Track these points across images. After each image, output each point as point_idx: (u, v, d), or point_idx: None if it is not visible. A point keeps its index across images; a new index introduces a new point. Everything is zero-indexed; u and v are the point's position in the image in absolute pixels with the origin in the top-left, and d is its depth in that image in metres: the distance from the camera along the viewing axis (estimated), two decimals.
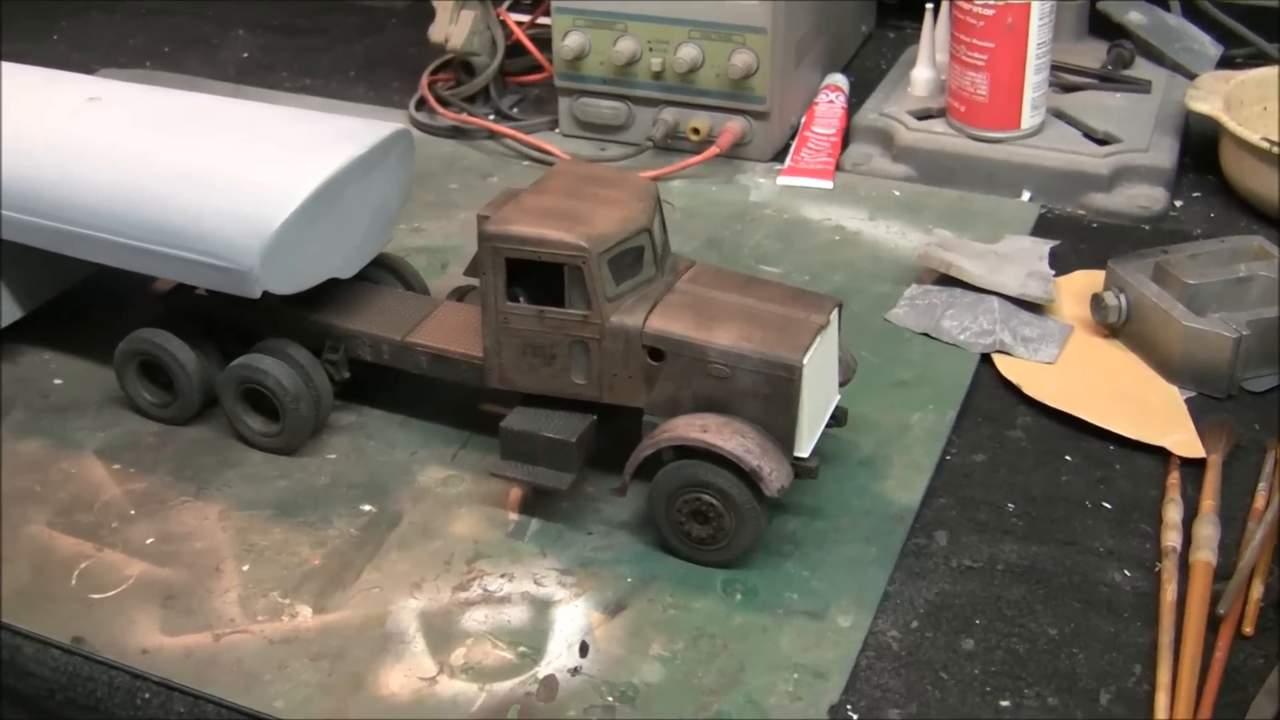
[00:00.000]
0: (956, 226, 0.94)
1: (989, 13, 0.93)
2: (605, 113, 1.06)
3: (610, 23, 1.02)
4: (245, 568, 0.67)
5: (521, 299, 0.67)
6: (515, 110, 1.14)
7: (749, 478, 0.63)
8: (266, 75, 1.23)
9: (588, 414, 0.68)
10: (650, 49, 1.02)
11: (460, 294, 0.78)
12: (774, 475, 0.63)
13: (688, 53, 1.00)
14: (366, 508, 0.71)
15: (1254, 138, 0.90)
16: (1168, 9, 1.12)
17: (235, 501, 0.72)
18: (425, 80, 1.15)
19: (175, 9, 1.38)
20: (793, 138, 1.05)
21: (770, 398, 0.64)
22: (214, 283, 0.70)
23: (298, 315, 0.75)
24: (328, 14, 1.37)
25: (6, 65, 0.85)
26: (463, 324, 0.74)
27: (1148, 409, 0.76)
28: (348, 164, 0.71)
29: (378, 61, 1.26)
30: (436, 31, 1.09)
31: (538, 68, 1.18)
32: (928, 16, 1.05)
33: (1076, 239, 0.93)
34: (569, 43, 1.03)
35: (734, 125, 1.02)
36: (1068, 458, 0.73)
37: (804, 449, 0.65)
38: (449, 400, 0.78)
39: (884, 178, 1.00)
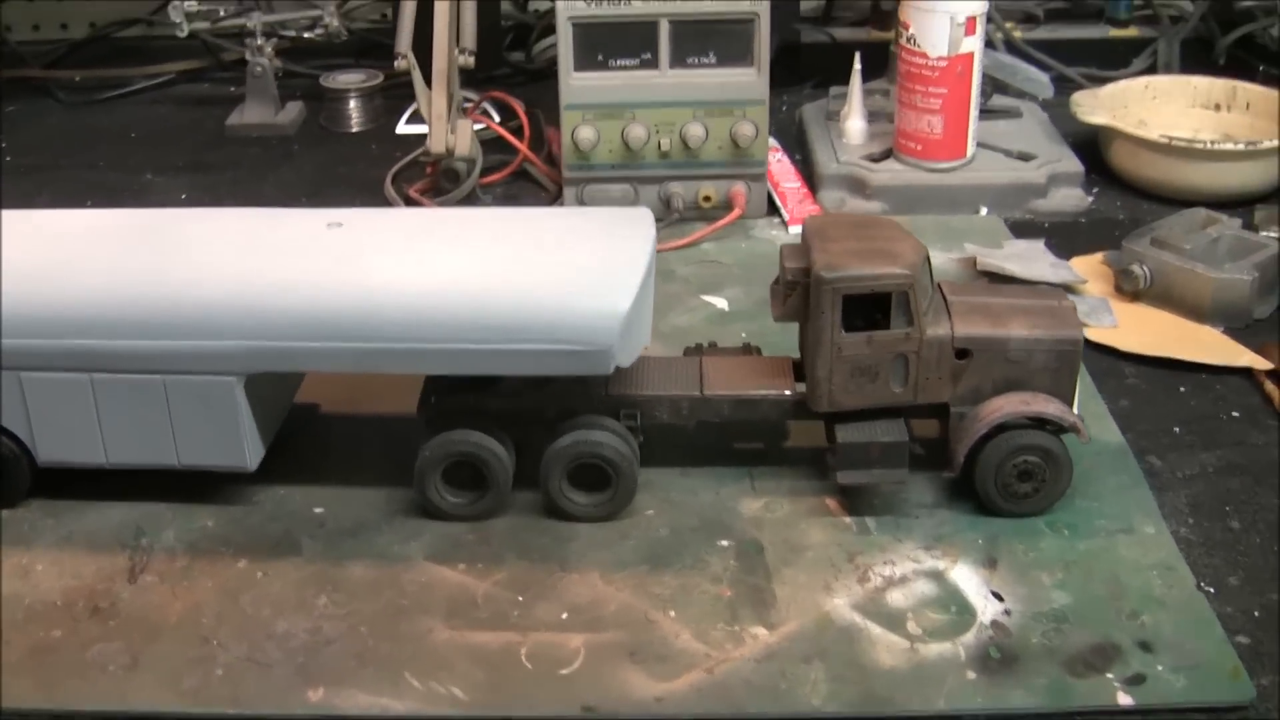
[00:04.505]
0: (954, 241, 1.13)
1: (943, 64, 1.14)
2: (614, 195, 1.17)
3: (619, 112, 1.14)
4: (671, 613, 0.74)
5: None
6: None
7: (1059, 435, 0.79)
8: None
9: (896, 418, 0.81)
10: (658, 131, 1.14)
11: (697, 349, 0.88)
12: (1084, 428, 0.79)
13: (694, 130, 1.13)
14: (724, 543, 0.79)
15: (1153, 135, 1.17)
16: (995, 49, 1.39)
17: (604, 566, 0.78)
18: (414, 191, 1.21)
19: (58, 164, 1.33)
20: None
21: (1058, 370, 0.80)
22: (564, 367, 0.76)
23: (592, 391, 0.82)
24: (222, 149, 1.37)
25: (165, 212, 0.85)
26: (742, 370, 0.84)
27: (1207, 344, 0.98)
28: (653, 243, 0.79)
29: (322, 183, 1.28)
30: (435, 142, 1.15)
31: (497, 166, 1.26)
32: (855, 79, 1.24)
33: (1041, 236, 1.15)
34: (582, 135, 1.13)
35: (739, 189, 1.16)
36: (1181, 389, 0.95)
37: (1075, 406, 0.82)
38: (688, 446, 0.87)
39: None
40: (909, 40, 1.15)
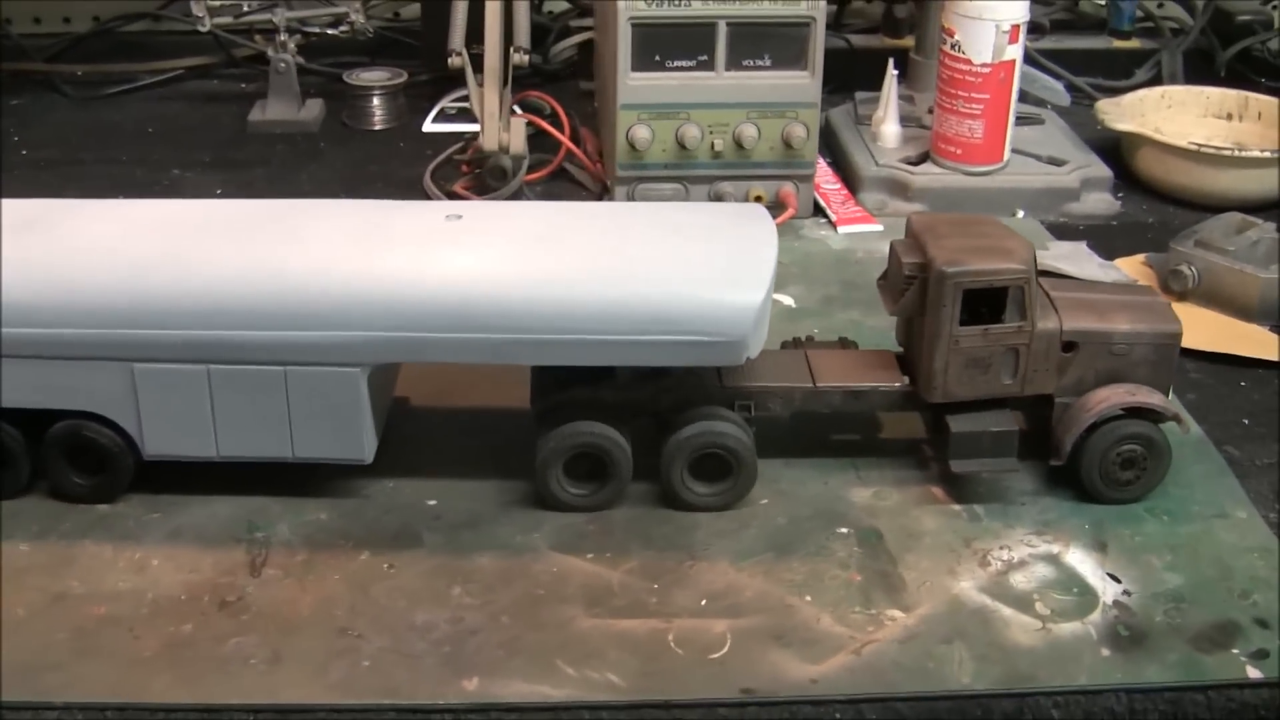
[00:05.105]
0: None
1: (986, 70, 1.18)
2: (666, 194, 1.18)
3: (674, 113, 1.15)
4: (808, 598, 0.75)
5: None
6: None
7: (1159, 425, 0.82)
8: None
9: (1003, 408, 0.83)
10: (711, 131, 1.16)
11: (796, 342, 0.89)
12: (1186, 418, 0.82)
13: (747, 131, 1.15)
14: (844, 530, 0.81)
15: (1182, 142, 1.22)
16: None
17: (732, 555, 0.79)
18: (460, 188, 1.20)
19: (78, 158, 1.30)
20: None
21: (1156, 363, 0.83)
22: (697, 358, 0.77)
23: (708, 383, 0.83)
24: (247, 147, 1.35)
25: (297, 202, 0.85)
26: (848, 362, 0.86)
27: (1259, 341, 1.02)
28: (776, 238, 0.81)
29: (356, 180, 1.28)
30: (488, 140, 1.15)
31: (536, 165, 1.27)
32: (890, 84, 1.27)
33: (1079, 239, 1.18)
34: (637, 134, 1.14)
35: (789, 189, 1.18)
36: (1242, 383, 0.99)
37: (1170, 396, 0.85)
38: (786, 438, 0.88)
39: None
40: (953, 46, 1.18)
